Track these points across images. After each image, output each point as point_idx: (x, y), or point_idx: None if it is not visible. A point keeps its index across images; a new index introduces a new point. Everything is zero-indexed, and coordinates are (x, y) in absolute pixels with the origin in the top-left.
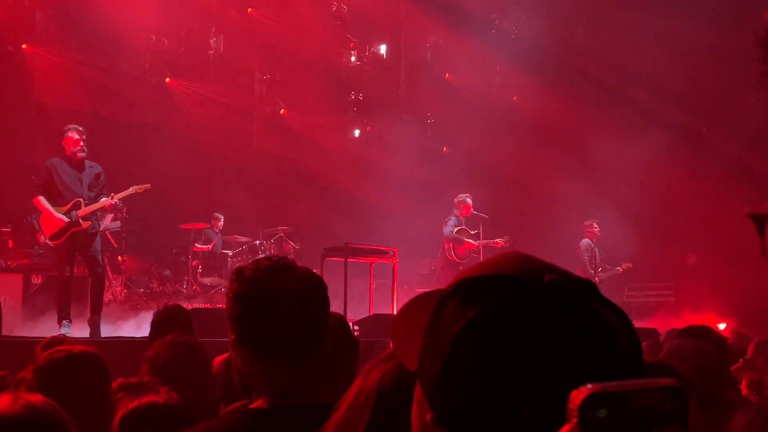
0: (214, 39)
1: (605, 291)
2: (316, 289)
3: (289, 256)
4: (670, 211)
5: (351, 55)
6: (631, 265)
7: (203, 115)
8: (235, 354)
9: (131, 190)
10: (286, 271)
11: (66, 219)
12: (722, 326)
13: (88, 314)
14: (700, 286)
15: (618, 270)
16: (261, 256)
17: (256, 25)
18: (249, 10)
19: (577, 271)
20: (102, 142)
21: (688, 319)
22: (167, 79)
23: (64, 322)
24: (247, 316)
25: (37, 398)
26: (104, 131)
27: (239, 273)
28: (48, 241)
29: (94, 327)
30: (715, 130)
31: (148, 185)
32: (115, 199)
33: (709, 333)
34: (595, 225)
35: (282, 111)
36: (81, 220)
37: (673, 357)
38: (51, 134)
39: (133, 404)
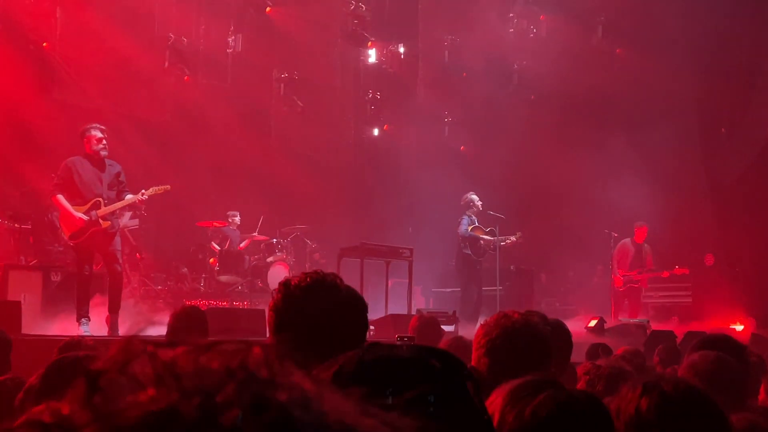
0: (233, 37)
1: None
2: (355, 309)
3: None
4: (688, 211)
5: (369, 54)
6: (686, 271)
7: (221, 112)
8: None
9: (152, 190)
10: (328, 289)
11: (85, 218)
12: (740, 328)
13: (106, 313)
14: (718, 287)
15: (669, 271)
16: (278, 254)
17: (274, 24)
18: (267, 8)
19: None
20: (121, 140)
21: (706, 320)
22: (186, 77)
23: (83, 320)
24: (283, 328)
25: (65, 407)
26: (123, 129)
27: (284, 286)
28: (68, 240)
29: (113, 326)
30: (734, 129)
31: (168, 186)
32: (145, 195)
33: (729, 342)
34: (645, 226)
35: (299, 109)
36: (101, 220)
37: (692, 372)
38: (72, 132)
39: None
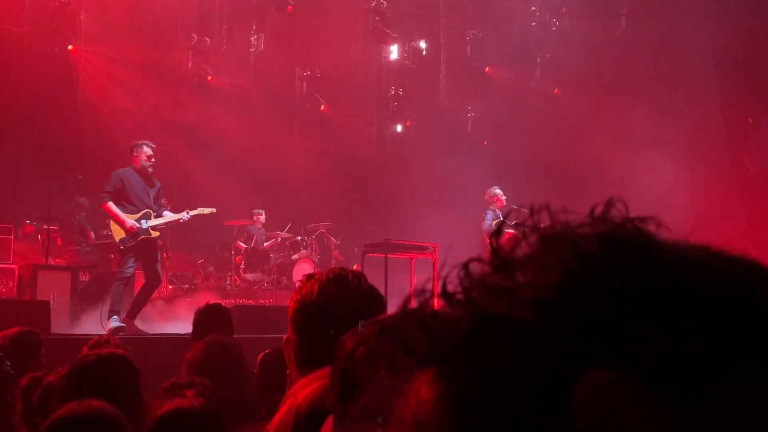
0: (255, 37)
1: None
2: (374, 307)
3: (353, 268)
4: (714, 203)
5: (391, 51)
6: None
7: (245, 112)
8: (288, 353)
9: (197, 211)
10: (343, 285)
11: (137, 226)
12: None
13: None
14: None
15: None
16: (303, 251)
17: (295, 22)
18: (289, 7)
19: None
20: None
21: None
22: (209, 78)
23: (115, 316)
24: (302, 324)
25: (98, 402)
26: (148, 130)
27: (305, 280)
28: (118, 244)
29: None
30: (761, 119)
31: (214, 209)
32: (189, 215)
33: None
34: None
35: (322, 107)
36: (151, 230)
37: None
38: (97, 133)
39: (161, 411)
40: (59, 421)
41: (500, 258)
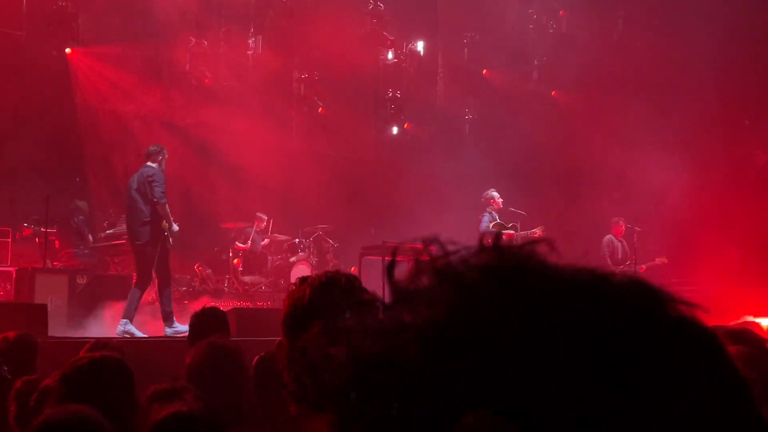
0: (253, 39)
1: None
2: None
3: (338, 268)
4: (712, 203)
5: (388, 53)
6: (665, 260)
7: (242, 114)
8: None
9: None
10: (335, 289)
11: (177, 228)
12: (765, 321)
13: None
14: (743, 279)
15: (646, 265)
16: (300, 254)
17: (293, 25)
18: (286, 10)
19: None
20: (144, 143)
21: (730, 313)
22: (207, 80)
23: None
24: (294, 327)
25: (80, 407)
26: (146, 131)
27: (298, 283)
28: (169, 247)
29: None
30: (759, 121)
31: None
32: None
33: (749, 336)
34: (621, 222)
35: (320, 109)
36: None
37: None
38: (95, 136)
39: (159, 415)
40: (41, 426)
41: (396, 294)
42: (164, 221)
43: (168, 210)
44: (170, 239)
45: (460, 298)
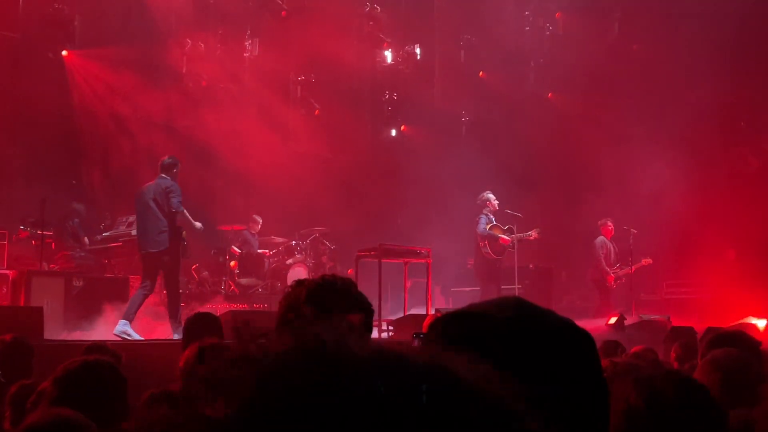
0: (249, 42)
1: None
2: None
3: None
4: (708, 205)
5: (385, 56)
6: (650, 260)
7: (239, 117)
8: None
9: None
10: (331, 292)
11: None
12: (762, 323)
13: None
14: (740, 282)
15: (635, 267)
16: (297, 256)
17: (290, 28)
18: (283, 12)
19: (592, 269)
20: (140, 145)
21: (728, 315)
22: (203, 82)
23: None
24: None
25: (66, 411)
26: (142, 134)
27: (294, 286)
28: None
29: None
30: (754, 123)
31: None
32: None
33: (743, 338)
34: (610, 223)
35: (317, 112)
36: None
37: (714, 367)
38: (91, 139)
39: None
40: (26, 430)
41: (198, 383)
42: (183, 231)
43: (187, 215)
44: (187, 250)
45: (252, 390)
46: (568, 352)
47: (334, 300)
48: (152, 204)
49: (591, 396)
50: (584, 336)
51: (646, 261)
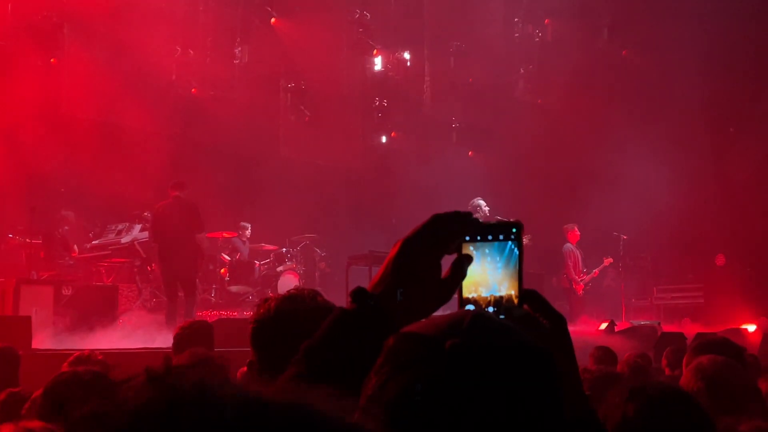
0: (239, 49)
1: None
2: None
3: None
4: (698, 211)
5: (375, 62)
6: (611, 260)
7: (229, 124)
8: (253, 375)
9: None
10: (298, 302)
11: None
12: (752, 328)
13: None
14: (730, 287)
15: (598, 270)
16: (288, 263)
17: (279, 34)
18: (272, 19)
19: (560, 277)
20: (130, 154)
21: (718, 321)
22: (193, 90)
23: None
24: (262, 342)
25: (36, 425)
26: (132, 143)
27: (261, 302)
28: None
29: None
30: (743, 129)
31: None
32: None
33: (726, 345)
34: (576, 228)
35: (307, 118)
36: None
37: (699, 375)
38: (79, 147)
39: None
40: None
41: None
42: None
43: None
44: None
45: None
46: (517, 373)
47: (302, 309)
48: (178, 222)
49: (539, 418)
50: (538, 355)
51: (607, 260)
